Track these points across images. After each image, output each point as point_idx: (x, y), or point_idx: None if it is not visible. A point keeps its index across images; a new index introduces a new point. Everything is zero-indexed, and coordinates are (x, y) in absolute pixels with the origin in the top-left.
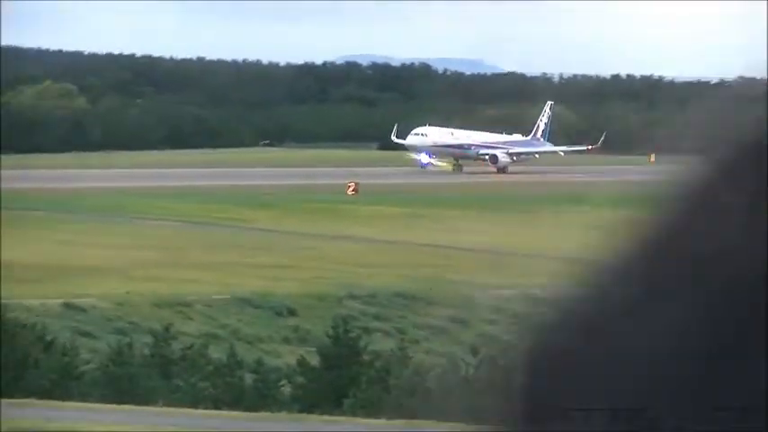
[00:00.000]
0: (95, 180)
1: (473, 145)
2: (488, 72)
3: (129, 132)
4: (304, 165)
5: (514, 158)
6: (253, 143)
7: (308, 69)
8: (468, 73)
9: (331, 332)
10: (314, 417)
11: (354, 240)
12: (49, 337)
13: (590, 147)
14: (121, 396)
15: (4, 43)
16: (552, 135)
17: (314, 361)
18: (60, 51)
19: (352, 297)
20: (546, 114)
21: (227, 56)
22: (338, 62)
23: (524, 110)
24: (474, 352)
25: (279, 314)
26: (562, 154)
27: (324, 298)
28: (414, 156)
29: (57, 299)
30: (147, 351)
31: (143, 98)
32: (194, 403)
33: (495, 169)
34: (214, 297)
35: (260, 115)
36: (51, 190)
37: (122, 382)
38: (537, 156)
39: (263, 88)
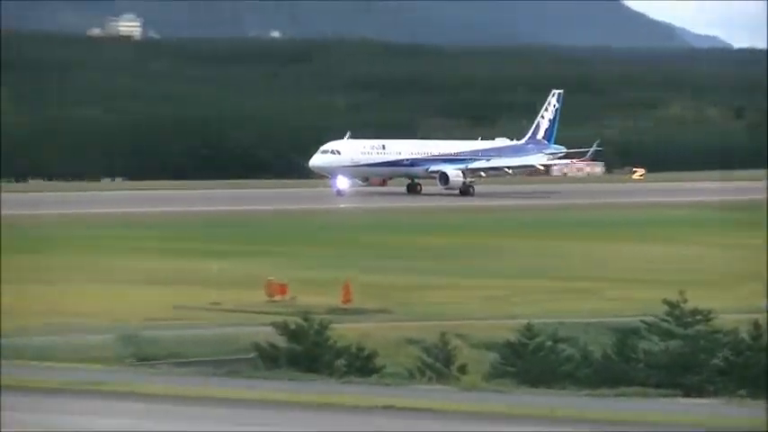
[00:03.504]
0: None
1: (419, 160)
2: None
3: None
4: None
5: (482, 175)
6: None
7: None
8: None
9: None
10: None
11: None
12: None
13: (575, 159)
14: None
15: None
16: None
17: None
18: None
19: None
20: (551, 107)
21: None
22: None
23: None
24: None
25: None
26: (541, 167)
27: None
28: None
29: None
30: None
31: None
32: None
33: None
34: None
35: None
36: None
37: None
38: (510, 171)
39: None
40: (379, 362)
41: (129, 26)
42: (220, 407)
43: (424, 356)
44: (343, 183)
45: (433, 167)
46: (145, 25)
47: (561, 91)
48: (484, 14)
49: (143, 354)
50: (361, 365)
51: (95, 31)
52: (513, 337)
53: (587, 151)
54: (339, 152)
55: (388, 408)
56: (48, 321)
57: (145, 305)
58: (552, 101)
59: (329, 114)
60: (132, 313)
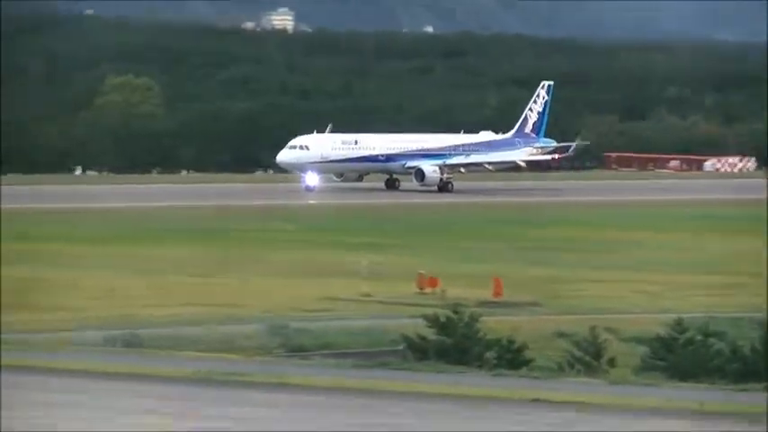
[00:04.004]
0: None
1: (396, 155)
2: None
3: None
4: None
5: (461, 171)
6: None
7: None
8: None
9: None
10: None
11: None
12: None
13: (556, 156)
14: None
15: None
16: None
17: None
18: None
19: None
20: (541, 99)
21: None
22: None
23: None
24: None
25: None
26: (523, 165)
27: None
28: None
29: None
30: None
31: None
32: None
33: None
34: None
35: None
36: None
37: None
38: (490, 167)
39: None
40: (528, 355)
41: (283, 19)
42: (368, 398)
43: (574, 350)
44: (312, 179)
45: (410, 163)
46: (297, 19)
47: (551, 83)
48: (630, 10)
49: (292, 345)
50: (511, 358)
51: (249, 25)
52: (663, 332)
53: (571, 146)
54: (308, 147)
55: (536, 401)
56: (195, 312)
57: (294, 297)
58: (542, 93)
59: (481, 110)
60: (282, 304)
